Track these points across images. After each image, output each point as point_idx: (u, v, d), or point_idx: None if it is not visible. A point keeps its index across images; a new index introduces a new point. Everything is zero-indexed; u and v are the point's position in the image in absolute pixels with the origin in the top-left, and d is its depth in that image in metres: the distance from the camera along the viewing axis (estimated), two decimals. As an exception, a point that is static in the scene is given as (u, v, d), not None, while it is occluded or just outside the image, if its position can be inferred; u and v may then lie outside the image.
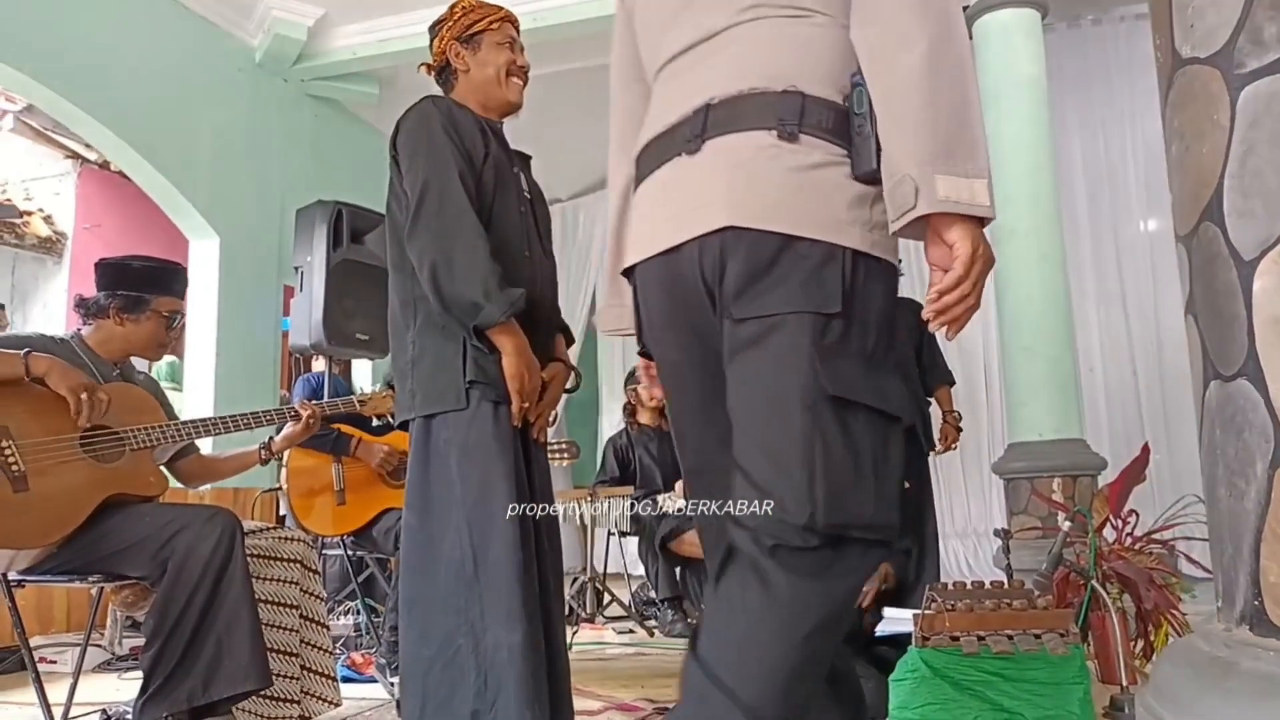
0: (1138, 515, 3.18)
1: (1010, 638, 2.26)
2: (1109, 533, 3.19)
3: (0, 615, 2.97)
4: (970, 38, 4.41)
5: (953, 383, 4.09)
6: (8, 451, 2.08)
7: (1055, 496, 3.90)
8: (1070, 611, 2.37)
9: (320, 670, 2.46)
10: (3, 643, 3.41)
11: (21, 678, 3.43)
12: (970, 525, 6.22)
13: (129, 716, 2.37)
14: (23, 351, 2.16)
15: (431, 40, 2.10)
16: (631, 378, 5.21)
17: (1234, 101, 1.08)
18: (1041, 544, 3.55)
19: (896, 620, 2.74)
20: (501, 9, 2.07)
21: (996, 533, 3.58)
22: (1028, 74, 4.25)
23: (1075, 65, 6.26)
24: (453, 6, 2.08)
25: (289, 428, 2.62)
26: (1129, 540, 3.13)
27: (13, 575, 2.25)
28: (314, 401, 2.74)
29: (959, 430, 3.98)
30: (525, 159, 2.11)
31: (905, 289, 1.32)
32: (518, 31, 2.09)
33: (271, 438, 2.65)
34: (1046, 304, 4.13)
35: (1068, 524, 2.89)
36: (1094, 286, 6.21)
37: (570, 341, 2.16)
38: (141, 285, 2.46)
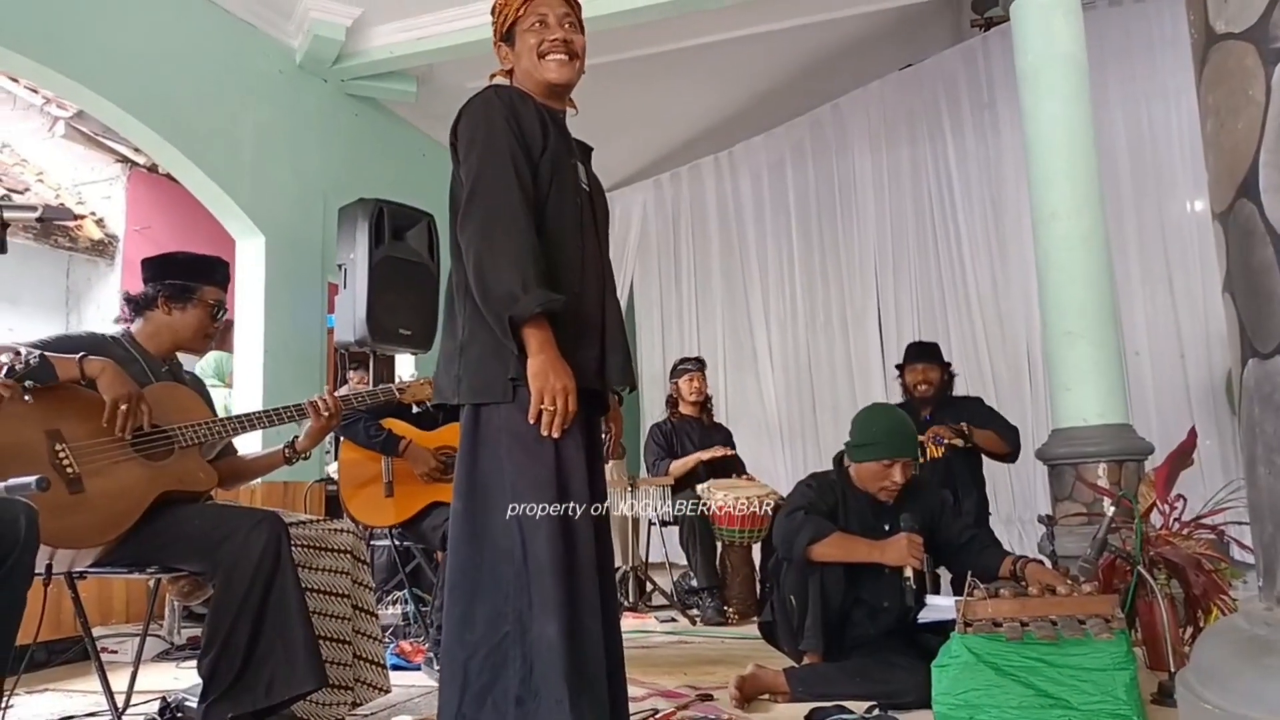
0: (1185, 500, 3.14)
1: (1054, 623, 2.25)
2: (1156, 518, 3.15)
3: (64, 606, 3.08)
4: (1008, 19, 4.37)
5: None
6: (62, 454, 2.15)
7: (1100, 482, 3.84)
8: (1115, 597, 2.35)
9: (371, 658, 2.52)
10: (66, 633, 3.52)
11: (84, 667, 3.56)
12: (1015, 512, 6.15)
13: (188, 703, 2.45)
14: (79, 355, 2.24)
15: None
16: (674, 370, 5.24)
17: (1269, 76, 1.07)
18: (1086, 530, 3.51)
19: (939, 607, 2.73)
20: None
21: (1041, 519, 3.55)
22: (1067, 52, 4.17)
23: (1117, 40, 6.14)
24: (492, 9, 2.05)
25: (311, 423, 2.62)
26: (1176, 525, 3.08)
27: (75, 569, 2.34)
28: (351, 392, 2.78)
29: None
30: (586, 150, 2.08)
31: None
32: (567, 3, 2.00)
33: (296, 436, 2.66)
34: (1089, 287, 4.05)
35: (1112, 509, 2.87)
36: (1139, 268, 6.10)
37: (625, 392, 2.07)
38: (187, 275, 2.52)
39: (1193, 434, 3.32)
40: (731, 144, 7.42)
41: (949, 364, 4.63)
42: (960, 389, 6.53)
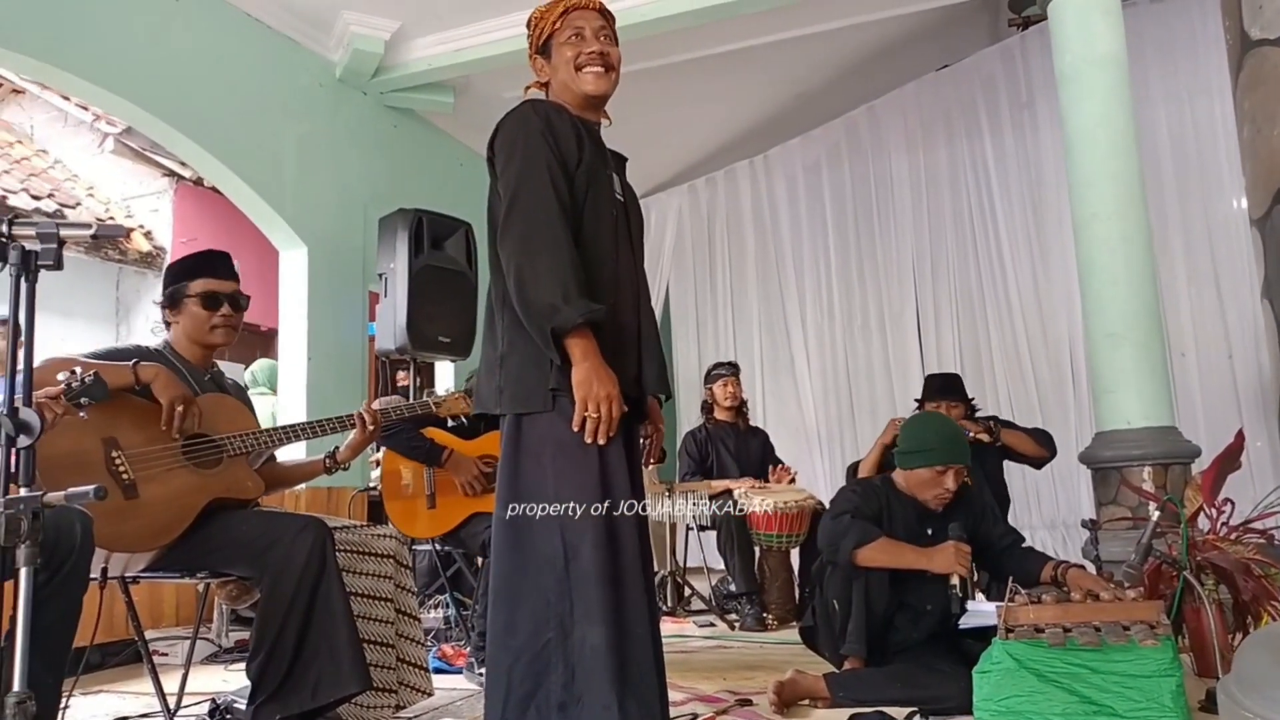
0: (1233, 504, 3.08)
1: (1097, 629, 2.23)
2: (1203, 522, 3.10)
3: (116, 610, 3.16)
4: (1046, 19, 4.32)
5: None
6: (118, 461, 2.22)
7: (1145, 485, 3.78)
8: (1160, 603, 2.32)
9: (414, 661, 2.56)
10: (118, 636, 3.61)
11: (135, 669, 3.65)
12: (1058, 516, 6.06)
13: (236, 704, 2.51)
14: (131, 362, 2.31)
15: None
16: (709, 376, 5.25)
17: (1307, 82, 1.06)
18: (1131, 534, 3.46)
19: (980, 613, 2.72)
20: (562, 3, 2.02)
21: (1084, 523, 3.51)
22: (1106, 52, 4.11)
23: (1159, 38, 6.04)
24: (528, 22, 2.08)
25: (353, 436, 2.64)
26: (1224, 529, 3.03)
27: (128, 574, 2.41)
28: (388, 402, 2.81)
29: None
30: (621, 160, 2.10)
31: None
32: (602, 13, 2.03)
33: (338, 447, 2.68)
34: (1132, 288, 3.99)
35: (1157, 513, 2.83)
36: (1185, 267, 5.98)
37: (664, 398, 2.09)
38: (176, 279, 2.56)
39: (1240, 436, 3.26)
40: (767, 148, 7.41)
41: (972, 399, 4.43)
42: (1003, 392, 6.50)
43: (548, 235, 1.80)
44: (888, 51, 6.35)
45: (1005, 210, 6.60)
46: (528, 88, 2.09)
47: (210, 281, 2.54)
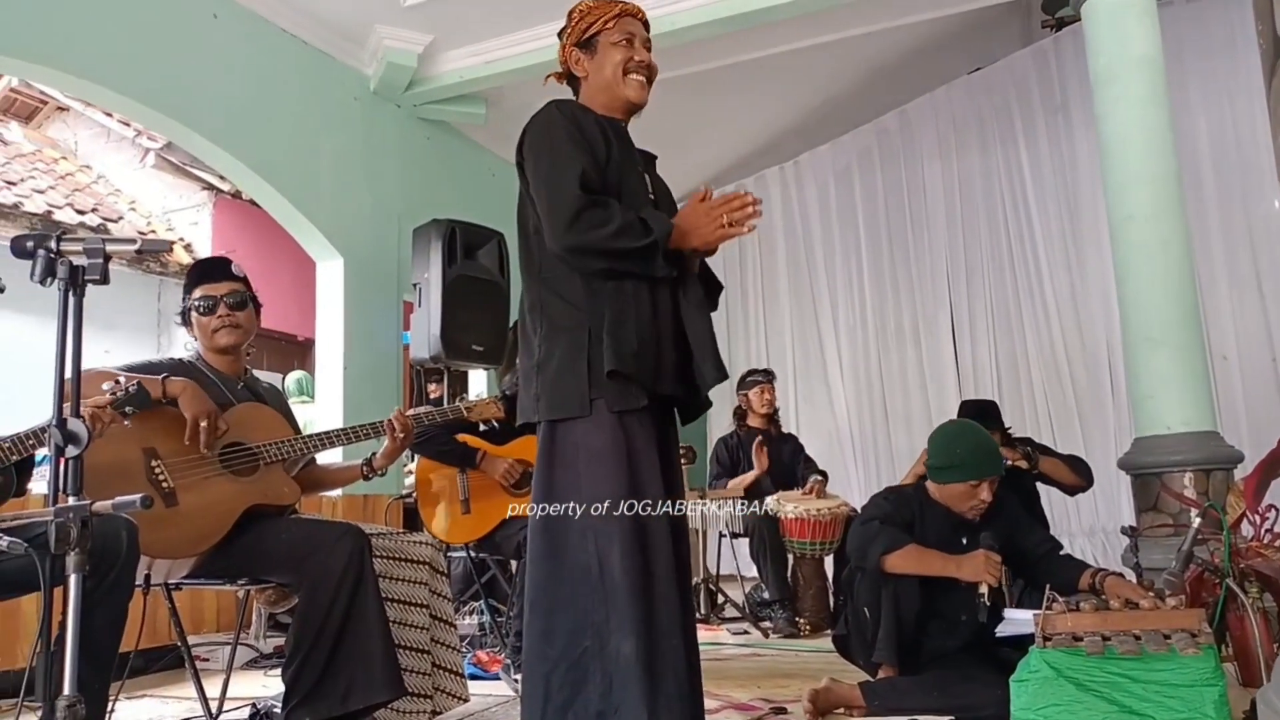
0: (1278, 510, 3.02)
1: (1137, 638, 2.20)
2: (1246, 529, 3.04)
3: (158, 616, 3.22)
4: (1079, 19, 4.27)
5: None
6: (158, 470, 2.27)
7: (1186, 492, 3.72)
8: (1201, 611, 2.28)
9: (450, 667, 2.58)
10: (160, 641, 3.68)
11: (177, 674, 3.71)
12: (1098, 523, 5.98)
13: (276, 710, 2.55)
14: (162, 377, 2.36)
15: (559, 50, 2.10)
16: (743, 382, 5.24)
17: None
18: (1172, 542, 3.41)
19: (1017, 621, 2.69)
20: (618, 5, 2.04)
21: (1124, 530, 3.45)
22: (1141, 54, 4.06)
23: (1196, 37, 5.95)
24: (571, 11, 2.08)
25: (387, 444, 2.65)
26: (1268, 536, 2.97)
27: (171, 581, 2.46)
28: (422, 410, 2.84)
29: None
30: (650, 158, 2.11)
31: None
32: (645, 26, 2.06)
33: (374, 453, 2.71)
34: (1170, 292, 3.93)
35: (1199, 520, 2.78)
36: (1226, 270, 5.88)
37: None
38: (183, 296, 2.63)
39: (1285, 441, 3.20)
40: (797, 154, 7.40)
41: (1009, 427, 4.28)
42: (1040, 399, 6.41)
43: (598, 212, 1.81)
44: (919, 55, 6.32)
45: (1040, 214, 6.54)
46: (548, 77, 2.11)
47: (205, 287, 2.56)
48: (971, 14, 5.64)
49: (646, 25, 2.08)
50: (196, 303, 2.56)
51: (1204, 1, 5.99)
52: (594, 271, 1.86)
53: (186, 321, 2.60)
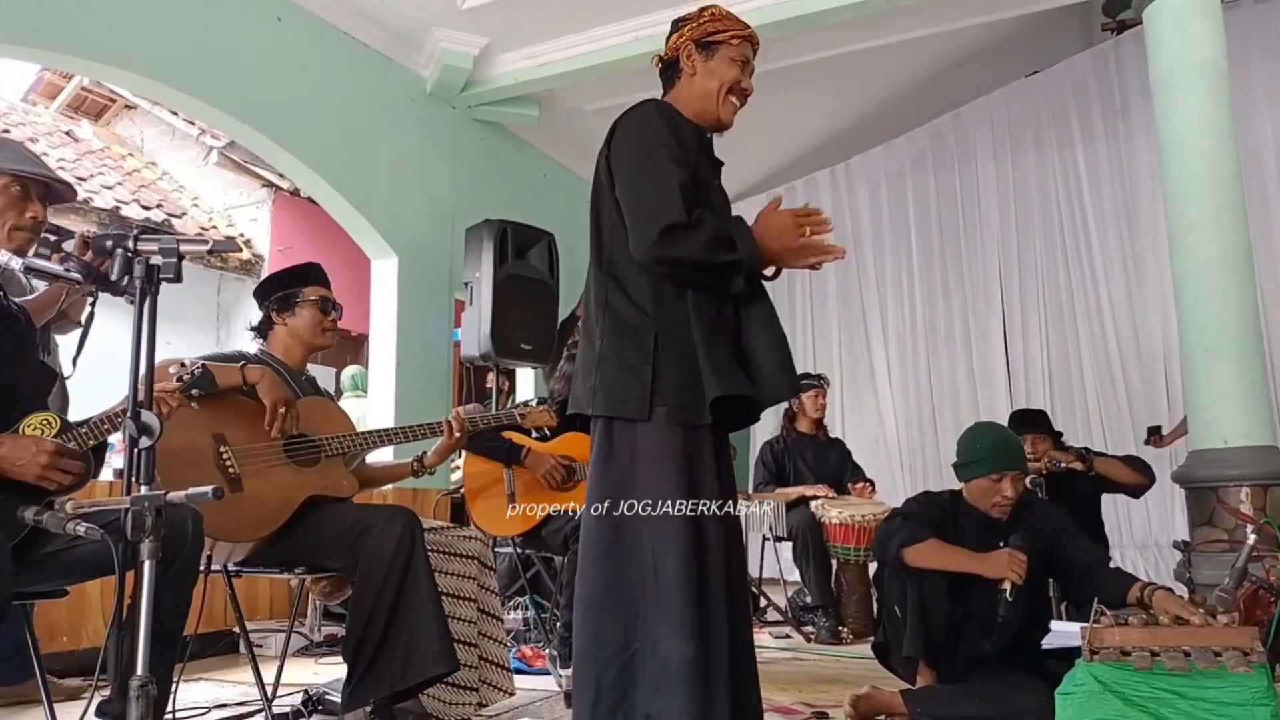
0: (1338, 528, 2.95)
1: (1186, 654, 2.17)
2: (1304, 546, 2.97)
3: (214, 602, 3.33)
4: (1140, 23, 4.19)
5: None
6: (225, 456, 2.36)
7: (1243, 507, 3.64)
8: (1253, 629, 2.24)
9: (496, 661, 2.64)
10: (215, 627, 3.79)
11: (230, 659, 3.82)
12: (1150, 536, 5.86)
13: (329, 696, 2.62)
14: (240, 363, 2.45)
15: (670, 34, 2.10)
16: (795, 385, 5.21)
17: None
18: (1226, 558, 3.34)
19: (1063, 633, 2.66)
20: (748, 28, 2.05)
21: (1177, 544, 3.40)
22: (1204, 58, 3.97)
23: (1263, 40, 5.81)
24: (702, 9, 2.08)
25: (440, 441, 2.75)
26: (1327, 555, 2.90)
27: (231, 566, 2.54)
28: (472, 410, 2.90)
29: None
30: (719, 165, 2.13)
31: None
32: (755, 54, 2.08)
33: (425, 451, 2.79)
34: (1230, 301, 3.84)
35: (1254, 536, 2.73)
36: (1289, 279, 5.73)
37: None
38: (287, 284, 2.72)
39: (1347, 458, 3.12)
40: (848, 156, 7.35)
41: (1060, 433, 4.25)
42: (1094, 408, 6.30)
43: (691, 223, 1.83)
44: (975, 58, 6.24)
45: (1097, 220, 6.43)
46: (655, 58, 2.10)
47: (320, 289, 2.72)
48: (1030, 17, 5.56)
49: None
50: (316, 299, 2.69)
51: (1271, 3, 5.84)
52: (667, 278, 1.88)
53: (286, 309, 2.68)
